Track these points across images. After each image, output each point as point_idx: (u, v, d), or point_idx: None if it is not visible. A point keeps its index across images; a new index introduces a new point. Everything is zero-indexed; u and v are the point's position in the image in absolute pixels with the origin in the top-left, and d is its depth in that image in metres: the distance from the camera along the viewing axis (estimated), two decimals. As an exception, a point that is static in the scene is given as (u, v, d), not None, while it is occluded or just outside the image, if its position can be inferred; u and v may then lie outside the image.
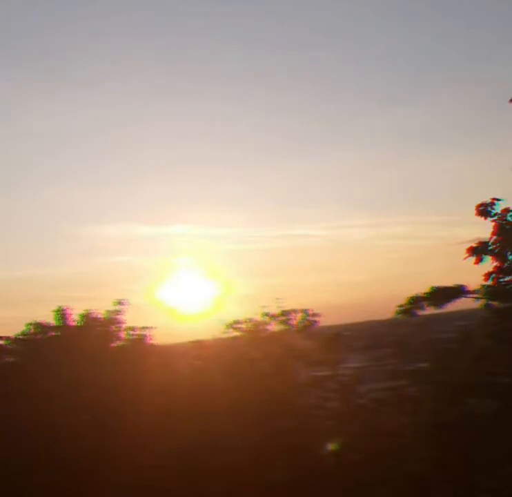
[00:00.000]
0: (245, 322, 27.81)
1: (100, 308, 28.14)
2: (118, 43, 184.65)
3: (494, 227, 16.68)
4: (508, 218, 16.64)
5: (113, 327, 27.85)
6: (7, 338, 27.64)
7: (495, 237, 16.66)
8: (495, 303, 17.29)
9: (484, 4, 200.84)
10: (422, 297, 17.35)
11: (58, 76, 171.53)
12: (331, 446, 26.02)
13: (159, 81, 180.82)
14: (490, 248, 16.63)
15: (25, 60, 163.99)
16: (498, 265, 16.70)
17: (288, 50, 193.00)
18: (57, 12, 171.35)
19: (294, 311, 27.64)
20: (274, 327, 27.82)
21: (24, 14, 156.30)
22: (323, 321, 28.05)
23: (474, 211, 16.78)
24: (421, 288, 17.44)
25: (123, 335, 27.96)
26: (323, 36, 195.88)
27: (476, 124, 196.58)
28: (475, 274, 16.97)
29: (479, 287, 16.97)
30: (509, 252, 16.67)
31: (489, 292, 16.86)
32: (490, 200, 16.64)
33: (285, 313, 27.55)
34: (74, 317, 27.80)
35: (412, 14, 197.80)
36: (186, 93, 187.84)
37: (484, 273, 16.74)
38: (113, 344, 28.01)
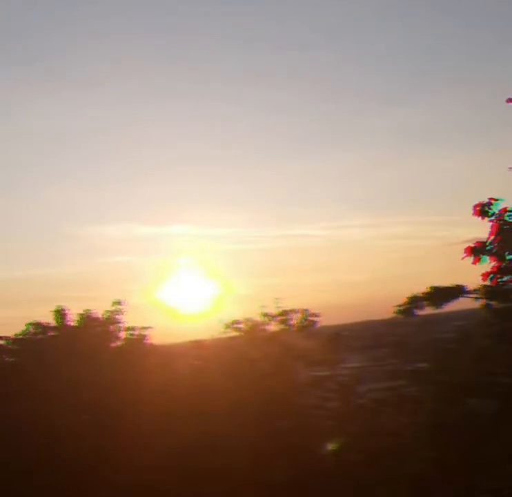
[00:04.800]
0: (245, 322, 27.80)
1: (100, 308, 28.19)
2: (118, 43, 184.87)
3: (492, 227, 16.65)
4: (507, 218, 16.61)
5: (112, 327, 27.86)
6: (7, 338, 27.65)
7: (493, 237, 16.63)
8: (494, 303, 17.26)
9: (484, 4, 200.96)
10: (421, 297, 17.33)
11: (58, 76, 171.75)
12: (331, 446, 26.00)
13: (159, 81, 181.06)
14: (489, 248, 16.60)
15: (25, 60, 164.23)
16: (497, 265, 16.68)
17: (288, 50, 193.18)
18: (57, 12, 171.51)
19: (294, 311, 27.63)
20: (274, 327, 27.82)
21: (24, 14, 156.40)
22: (323, 321, 28.06)
23: (471, 211, 16.77)
24: (421, 288, 17.44)
25: (122, 335, 27.98)
26: (323, 36, 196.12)
27: (476, 124, 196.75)
28: (474, 274, 16.97)
29: (478, 287, 16.95)
30: (508, 252, 16.64)
31: (488, 292, 16.83)
32: (488, 200, 16.62)
33: (284, 313, 27.54)
34: (74, 317, 27.83)
35: (412, 14, 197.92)
36: (186, 93, 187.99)
37: (482, 273, 16.72)
38: (113, 344, 28.01)
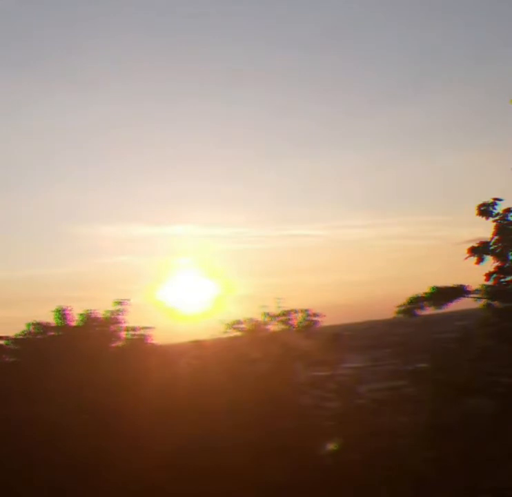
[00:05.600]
0: (245, 322, 27.80)
1: (100, 308, 28.18)
2: (118, 43, 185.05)
3: (495, 227, 16.65)
4: (509, 218, 16.59)
5: (113, 327, 27.84)
6: (7, 338, 27.63)
7: (495, 237, 16.62)
8: (496, 303, 17.24)
9: (484, 4, 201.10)
10: (422, 297, 17.28)
11: (58, 76, 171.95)
12: (331, 446, 26.01)
13: (160, 81, 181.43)
14: (491, 248, 16.59)
15: (25, 60, 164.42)
16: (499, 265, 16.66)
17: (288, 50, 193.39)
18: (57, 12, 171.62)
19: (295, 311, 27.63)
20: (274, 327, 27.82)
21: (24, 14, 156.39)
22: (324, 321, 28.06)
23: (474, 211, 16.77)
24: (422, 288, 17.39)
25: (123, 335, 27.96)
26: (323, 37, 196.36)
27: (476, 124, 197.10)
28: (475, 274, 16.96)
29: (479, 287, 16.93)
30: (510, 252, 16.63)
31: (490, 292, 16.81)
32: (491, 200, 16.62)
33: (285, 312, 27.54)
34: (74, 317, 27.82)
35: (412, 14, 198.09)
36: (186, 93, 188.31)
37: (484, 273, 16.70)
38: (113, 344, 28.00)
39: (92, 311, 27.96)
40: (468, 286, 16.98)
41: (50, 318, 27.70)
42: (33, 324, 27.61)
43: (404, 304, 17.48)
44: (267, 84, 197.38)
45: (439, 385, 19.71)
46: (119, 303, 27.72)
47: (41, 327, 27.63)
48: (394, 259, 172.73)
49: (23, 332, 27.60)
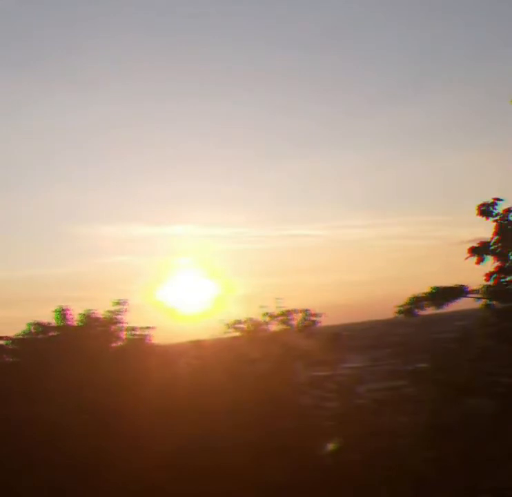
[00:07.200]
0: (245, 321, 27.79)
1: (100, 308, 28.18)
2: (118, 43, 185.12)
3: (495, 227, 16.67)
4: (510, 218, 16.62)
5: (113, 327, 27.84)
6: (7, 338, 27.63)
7: (496, 237, 16.64)
8: (496, 303, 17.25)
9: (484, 4, 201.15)
10: (422, 297, 17.29)
11: (58, 76, 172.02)
12: (331, 446, 26.01)
13: (159, 81, 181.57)
14: (492, 248, 16.61)
15: (25, 60, 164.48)
16: (499, 265, 16.68)
17: (288, 50, 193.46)
18: (57, 12, 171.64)
19: (295, 311, 27.63)
20: (274, 327, 27.82)
21: (24, 14, 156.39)
22: (324, 321, 28.05)
23: (475, 211, 16.78)
24: (422, 288, 17.41)
25: (123, 335, 27.96)
26: (323, 37, 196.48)
27: (476, 124, 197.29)
28: (475, 274, 16.97)
29: (480, 287, 16.95)
30: (510, 252, 16.65)
31: (490, 292, 16.82)
32: (491, 200, 16.64)
33: (285, 312, 27.54)
34: (75, 317, 27.82)
35: (412, 14, 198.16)
36: (186, 93, 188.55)
37: (485, 273, 16.72)
38: (113, 344, 28.00)
39: (92, 311, 27.98)
40: (468, 286, 17.01)
41: (50, 318, 27.74)
42: (33, 324, 27.61)
43: (404, 304, 17.49)
44: (267, 84, 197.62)
45: (439, 385, 19.72)
46: (119, 303, 27.72)
47: (41, 327, 27.63)
48: (394, 259, 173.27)
49: (23, 332, 27.61)
